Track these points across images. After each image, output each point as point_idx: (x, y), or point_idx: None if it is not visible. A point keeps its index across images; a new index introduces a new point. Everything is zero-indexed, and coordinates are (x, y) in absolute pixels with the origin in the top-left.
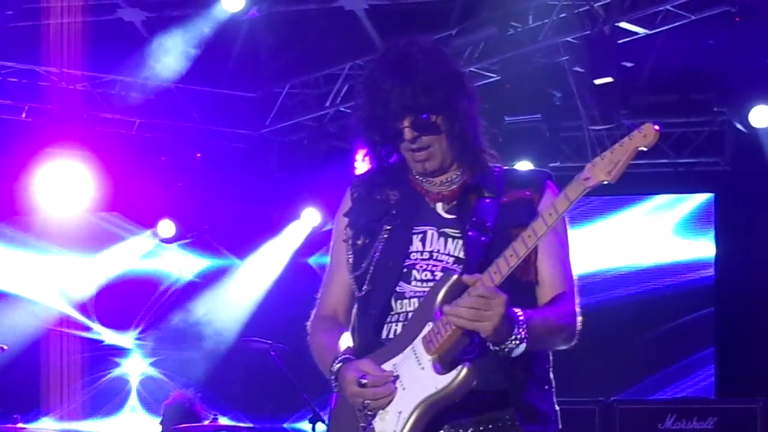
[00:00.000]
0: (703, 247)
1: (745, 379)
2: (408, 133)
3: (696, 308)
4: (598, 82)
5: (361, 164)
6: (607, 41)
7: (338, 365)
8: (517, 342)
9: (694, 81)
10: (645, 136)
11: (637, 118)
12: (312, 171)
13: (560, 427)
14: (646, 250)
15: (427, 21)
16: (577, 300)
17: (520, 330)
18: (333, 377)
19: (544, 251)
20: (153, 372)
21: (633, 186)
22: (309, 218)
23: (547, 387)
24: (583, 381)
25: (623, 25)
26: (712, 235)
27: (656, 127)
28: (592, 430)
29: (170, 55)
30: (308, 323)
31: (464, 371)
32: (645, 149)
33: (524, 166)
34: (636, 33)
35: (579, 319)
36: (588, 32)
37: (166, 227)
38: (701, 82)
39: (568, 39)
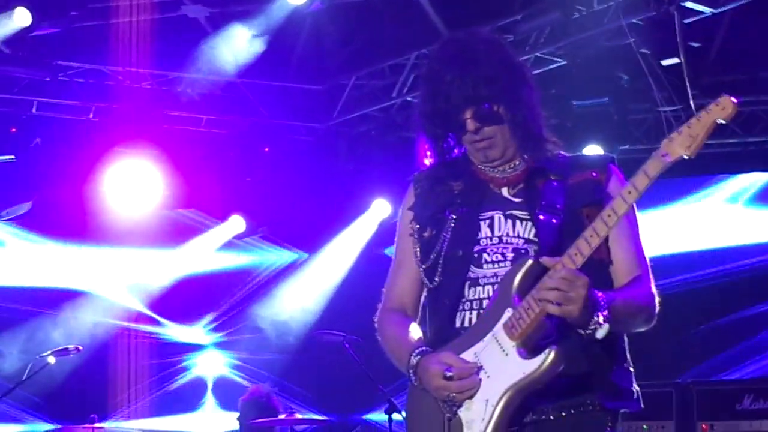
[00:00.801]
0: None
1: None
2: (470, 124)
3: None
4: (665, 63)
5: (427, 159)
6: (674, 21)
7: (417, 358)
8: (601, 323)
9: (762, 59)
10: (723, 108)
11: (705, 98)
12: (381, 162)
13: (642, 406)
14: (719, 231)
15: (492, 7)
16: (653, 281)
17: (603, 311)
18: (411, 371)
19: (617, 232)
20: (228, 369)
21: (703, 166)
22: (379, 209)
23: (626, 366)
24: (655, 363)
25: (689, 4)
26: None
27: (734, 100)
28: (669, 412)
29: (238, 47)
30: (375, 317)
31: (552, 354)
32: (724, 122)
33: (593, 149)
34: (702, 12)
35: (657, 300)
36: (654, 13)
37: (237, 223)
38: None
39: (634, 21)
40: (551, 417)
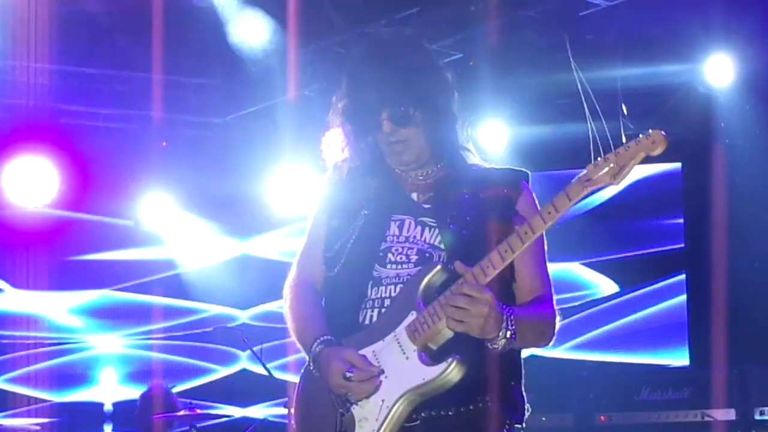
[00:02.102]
0: (672, 217)
1: (719, 348)
2: (386, 126)
3: (667, 273)
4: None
5: (335, 149)
6: (568, 14)
7: (320, 347)
8: (506, 337)
9: (655, 50)
10: (653, 142)
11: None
12: (280, 156)
13: (526, 416)
14: (614, 224)
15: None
16: (555, 300)
17: (509, 326)
18: (312, 358)
19: (523, 251)
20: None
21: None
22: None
23: (521, 379)
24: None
25: None
26: (680, 205)
27: (663, 133)
28: (568, 405)
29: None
30: (286, 285)
31: (454, 365)
32: (654, 155)
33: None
34: (597, 5)
35: (558, 319)
36: (549, 6)
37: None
38: (662, 51)
39: (530, 14)
40: (450, 413)
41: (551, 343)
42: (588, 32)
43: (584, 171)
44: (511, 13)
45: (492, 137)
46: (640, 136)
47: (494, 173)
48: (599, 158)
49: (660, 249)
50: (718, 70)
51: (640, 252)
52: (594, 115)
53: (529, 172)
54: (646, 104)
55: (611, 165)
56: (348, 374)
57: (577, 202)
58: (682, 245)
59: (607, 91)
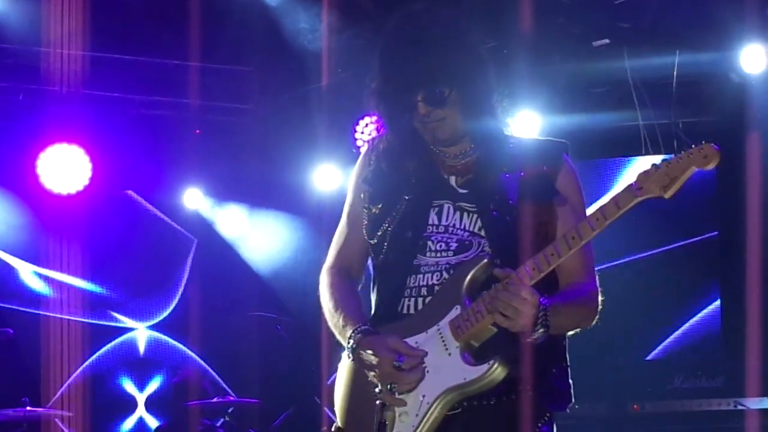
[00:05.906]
0: (706, 207)
1: (752, 336)
2: (422, 108)
3: (702, 260)
4: (596, 44)
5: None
6: (603, 2)
7: (358, 336)
8: (541, 331)
9: (690, 39)
10: (705, 156)
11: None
12: (314, 140)
13: (573, 401)
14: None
15: None
16: (597, 280)
17: (545, 320)
18: (350, 348)
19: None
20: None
21: (633, 147)
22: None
23: (564, 365)
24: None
25: None
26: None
27: (715, 147)
28: (602, 393)
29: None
30: (323, 271)
31: (496, 366)
32: (706, 170)
33: (526, 115)
34: None
35: (600, 299)
36: None
37: (193, 196)
38: (696, 40)
39: (564, 1)
40: (491, 402)
41: (594, 322)
42: (623, 21)
43: (634, 179)
44: (545, 1)
45: (525, 126)
46: (692, 147)
47: (533, 147)
48: (651, 166)
49: (693, 239)
50: (753, 59)
51: (673, 246)
52: (629, 104)
53: (568, 143)
54: (680, 93)
55: (662, 176)
56: (397, 363)
57: (626, 212)
58: (716, 233)
59: (640, 80)
